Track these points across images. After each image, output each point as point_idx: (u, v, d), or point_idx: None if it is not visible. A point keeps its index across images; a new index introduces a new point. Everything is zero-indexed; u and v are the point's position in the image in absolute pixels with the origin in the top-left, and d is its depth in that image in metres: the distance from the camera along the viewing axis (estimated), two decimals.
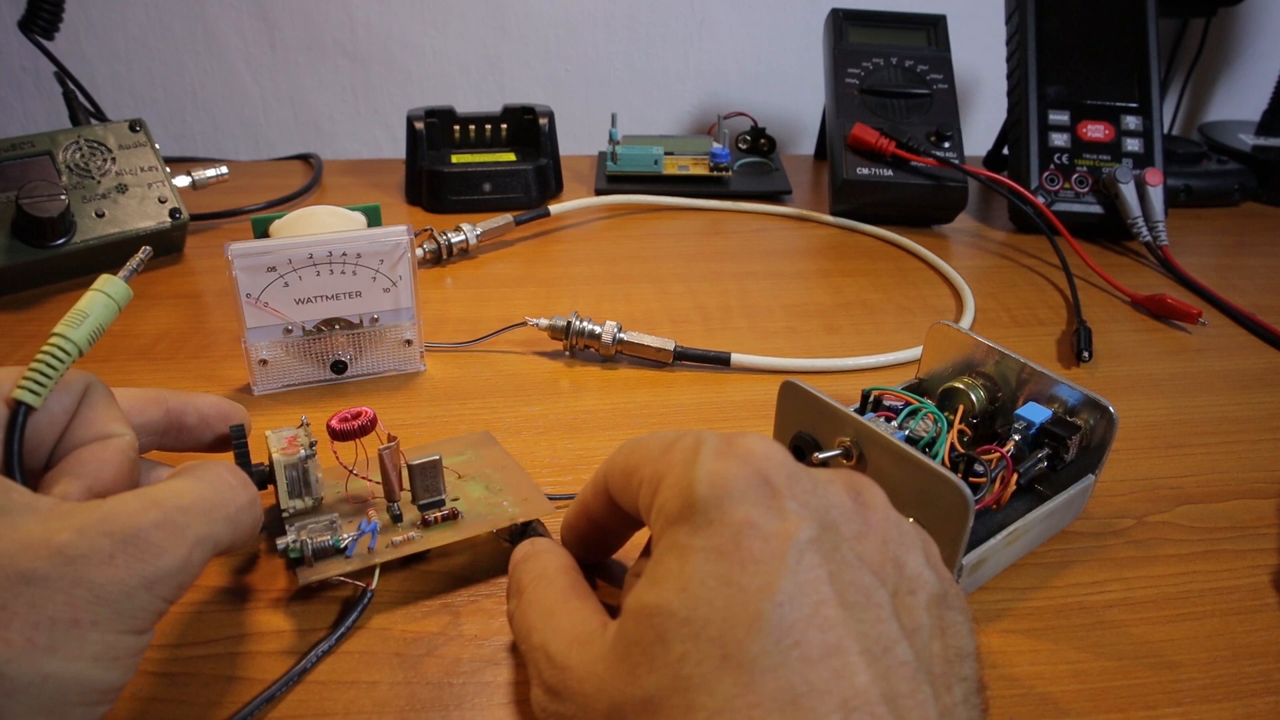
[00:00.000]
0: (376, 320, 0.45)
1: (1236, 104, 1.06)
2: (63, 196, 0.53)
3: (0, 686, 0.19)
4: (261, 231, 0.47)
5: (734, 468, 0.23)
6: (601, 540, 0.31)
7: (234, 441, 0.32)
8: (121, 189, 0.58)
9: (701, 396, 0.46)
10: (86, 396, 0.28)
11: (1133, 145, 0.71)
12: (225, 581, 0.32)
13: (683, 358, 0.49)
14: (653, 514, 0.24)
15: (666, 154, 0.79)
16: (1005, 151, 0.81)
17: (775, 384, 0.37)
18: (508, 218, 0.65)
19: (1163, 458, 0.42)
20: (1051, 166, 0.70)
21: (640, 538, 0.32)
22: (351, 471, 0.34)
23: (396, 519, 0.33)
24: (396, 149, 0.95)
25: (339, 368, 0.45)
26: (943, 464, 0.33)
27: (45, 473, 0.26)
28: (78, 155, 0.57)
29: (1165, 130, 0.79)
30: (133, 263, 0.29)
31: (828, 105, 0.76)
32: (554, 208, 0.68)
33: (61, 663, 0.20)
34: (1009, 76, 0.74)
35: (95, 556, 0.21)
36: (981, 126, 1.01)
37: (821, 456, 0.34)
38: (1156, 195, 0.67)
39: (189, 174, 0.65)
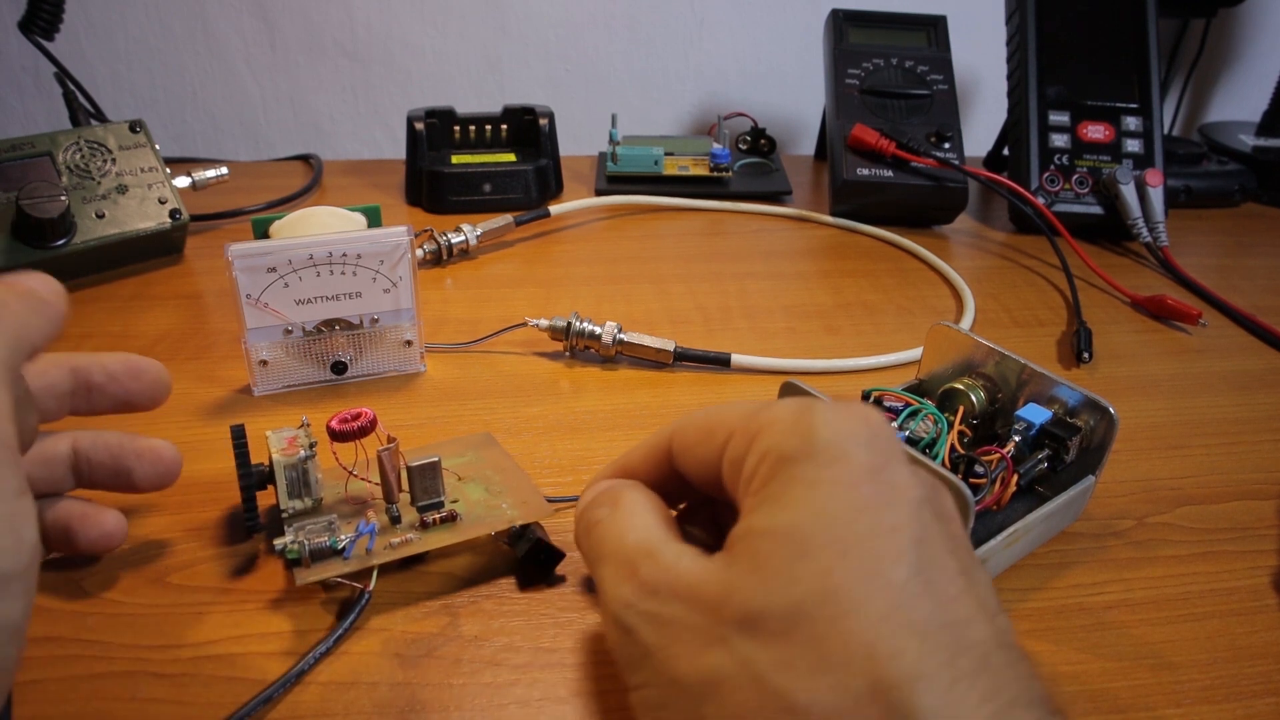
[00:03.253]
0: (376, 321, 0.45)
1: (1236, 104, 1.06)
2: (63, 197, 0.53)
3: None
4: (261, 232, 0.47)
5: (854, 421, 0.23)
6: None
7: (234, 442, 0.32)
8: (121, 189, 0.58)
9: (702, 397, 0.46)
10: None
11: (1133, 146, 0.71)
12: (225, 582, 0.32)
13: (683, 358, 0.49)
14: (752, 461, 0.24)
15: (666, 154, 0.78)
16: (1005, 152, 0.81)
17: (775, 385, 0.37)
18: (508, 218, 0.65)
19: (1163, 458, 0.42)
20: (1051, 167, 0.70)
21: None
22: (351, 473, 0.34)
23: (395, 520, 0.33)
24: (396, 149, 0.95)
25: (339, 368, 0.45)
26: (943, 465, 0.34)
27: None
28: (78, 156, 0.57)
29: (1165, 131, 0.79)
30: None
31: (828, 105, 0.76)
32: (554, 208, 0.68)
33: None
34: (1009, 77, 0.74)
35: None
36: (981, 126, 1.01)
37: None
38: (1156, 196, 0.67)
39: (189, 174, 0.65)
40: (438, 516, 0.33)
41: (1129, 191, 0.67)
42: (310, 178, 0.78)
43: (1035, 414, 0.36)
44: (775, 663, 0.20)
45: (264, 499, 0.33)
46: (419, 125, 0.73)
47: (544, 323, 0.49)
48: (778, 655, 0.20)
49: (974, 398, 0.38)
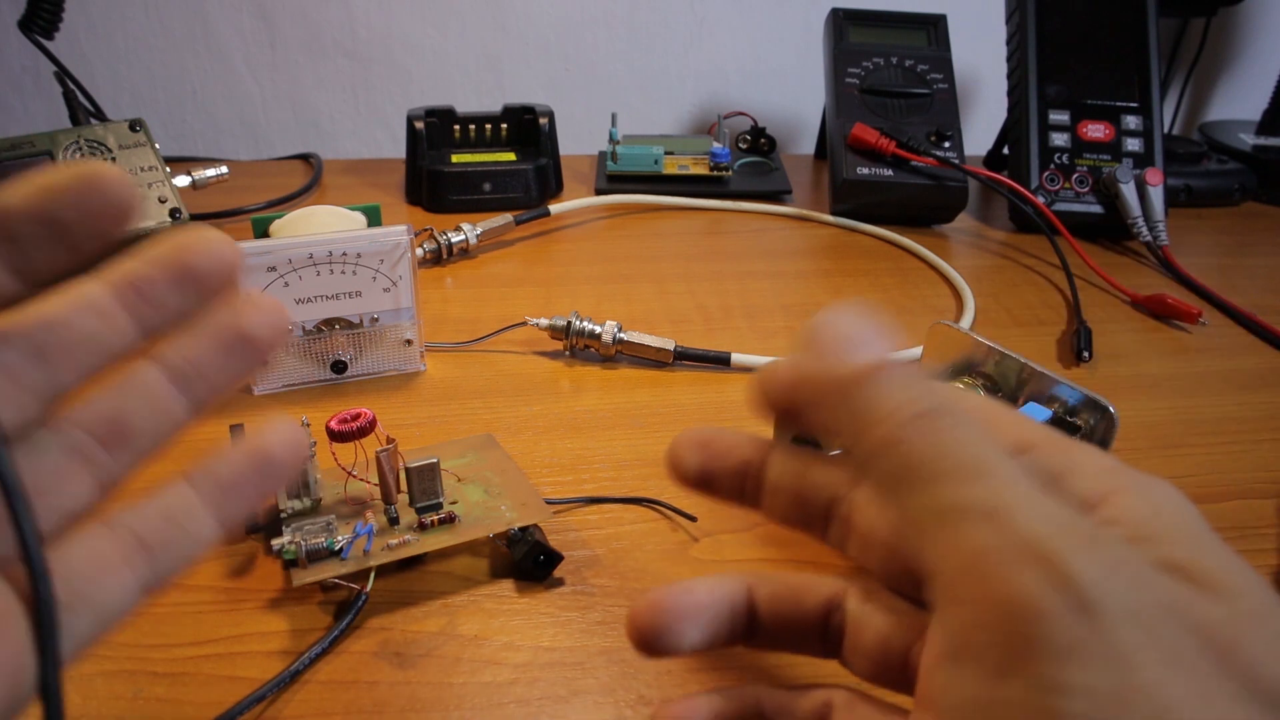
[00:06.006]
0: (376, 320, 0.45)
1: (1236, 104, 1.06)
2: None
3: None
4: (261, 231, 0.47)
5: None
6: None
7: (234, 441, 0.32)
8: None
9: (701, 396, 0.46)
10: None
11: (1133, 145, 0.71)
12: (224, 582, 0.32)
13: (683, 358, 0.49)
14: None
15: (666, 154, 0.78)
16: (1005, 151, 0.81)
17: None
18: (508, 217, 0.65)
19: (1163, 458, 0.42)
20: (1052, 166, 0.70)
21: None
22: (350, 473, 0.34)
23: (393, 521, 0.33)
24: (396, 149, 0.95)
25: (339, 368, 0.45)
26: None
27: None
28: (78, 155, 0.57)
29: (1165, 130, 0.79)
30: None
31: (828, 105, 0.76)
32: (554, 207, 0.68)
33: None
34: (1009, 76, 0.74)
35: None
36: (981, 126, 1.00)
37: None
38: (1156, 195, 0.67)
39: (189, 174, 0.65)
40: (436, 518, 0.33)
41: (1129, 190, 0.67)
42: (310, 177, 0.78)
43: (1035, 413, 0.36)
44: None
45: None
46: (419, 124, 0.73)
47: (544, 322, 0.49)
48: None
49: None
